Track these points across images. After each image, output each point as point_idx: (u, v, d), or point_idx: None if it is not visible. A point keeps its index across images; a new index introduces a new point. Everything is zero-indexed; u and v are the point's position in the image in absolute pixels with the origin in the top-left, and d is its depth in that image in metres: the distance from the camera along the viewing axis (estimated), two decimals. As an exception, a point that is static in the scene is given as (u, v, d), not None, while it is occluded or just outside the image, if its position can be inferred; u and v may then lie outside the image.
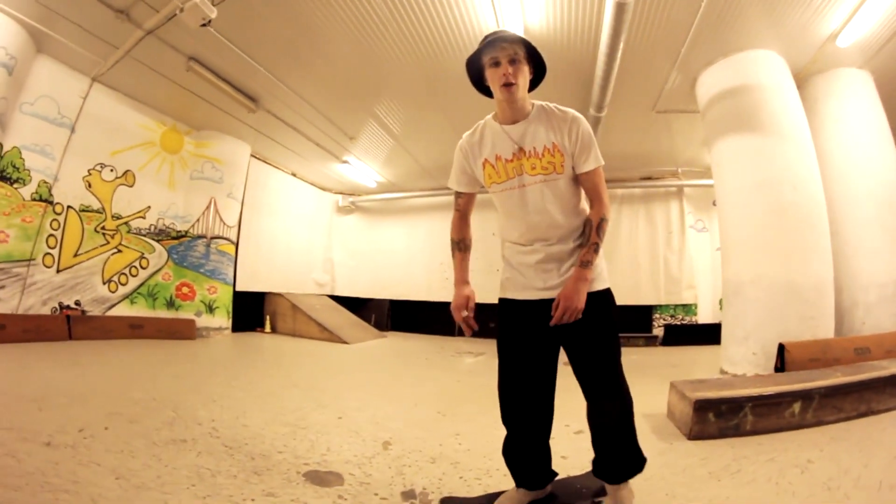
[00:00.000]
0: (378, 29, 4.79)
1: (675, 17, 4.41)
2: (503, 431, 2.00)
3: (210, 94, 6.34)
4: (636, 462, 1.65)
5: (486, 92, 1.69)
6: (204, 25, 4.23)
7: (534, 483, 1.69)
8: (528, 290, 1.62)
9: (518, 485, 1.69)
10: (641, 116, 6.60)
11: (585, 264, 1.53)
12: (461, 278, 1.72)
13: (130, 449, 2.23)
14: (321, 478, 2.00)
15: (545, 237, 1.62)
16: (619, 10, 3.70)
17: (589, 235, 1.57)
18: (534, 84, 1.65)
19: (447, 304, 1.79)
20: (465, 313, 1.62)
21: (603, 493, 1.70)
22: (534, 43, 1.61)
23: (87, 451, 2.16)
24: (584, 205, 1.69)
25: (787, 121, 4.68)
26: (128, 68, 5.75)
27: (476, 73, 1.67)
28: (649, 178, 9.05)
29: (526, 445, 1.67)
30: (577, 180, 1.63)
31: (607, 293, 1.62)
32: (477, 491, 1.90)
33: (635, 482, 1.73)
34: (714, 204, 7.22)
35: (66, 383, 3.49)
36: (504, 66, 1.52)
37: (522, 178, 1.61)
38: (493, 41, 1.54)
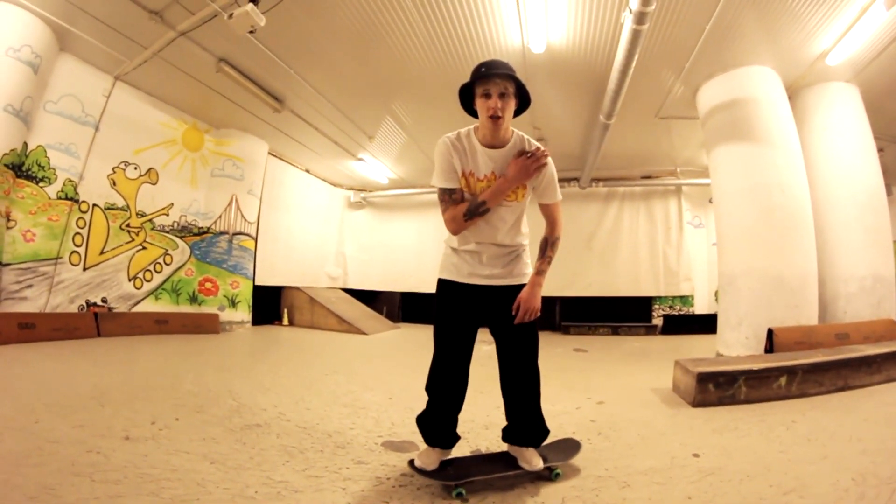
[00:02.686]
0: (410, 36, 5.03)
1: (681, 36, 4.82)
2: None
3: (236, 93, 6.48)
4: (543, 430, 1.96)
5: (472, 113, 1.83)
6: (251, 32, 4.33)
7: (449, 443, 1.91)
8: (474, 276, 1.89)
9: (433, 445, 1.89)
10: (645, 121, 7.00)
11: (541, 273, 1.83)
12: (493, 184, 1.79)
13: (211, 436, 2.34)
14: (398, 446, 2.29)
15: (491, 242, 1.89)
16: (635, 35, 4.10)
17: (545, 251, 1.88)
18: (517, 112, 1.81)
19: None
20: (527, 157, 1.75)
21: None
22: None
23: (169, 441, 2.24)
24: (525, 228, 1.99)
25: (778, 131, 5.14)
26: (152, 67, 5.84)
27: (466, 94, 1.81)
28: (649, 177, 9.48)
29: (449, 412, 1.92)
30: (540, 207, 1.94)
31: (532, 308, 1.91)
32: None
33: (656, 435, 2.14)
34: (710, 201, 7.60)
35: (114, 379, 3.54)
36: (494, 100, 1.68)
37: (481, 189, 1.83)
38: (487, 75, 1.69)
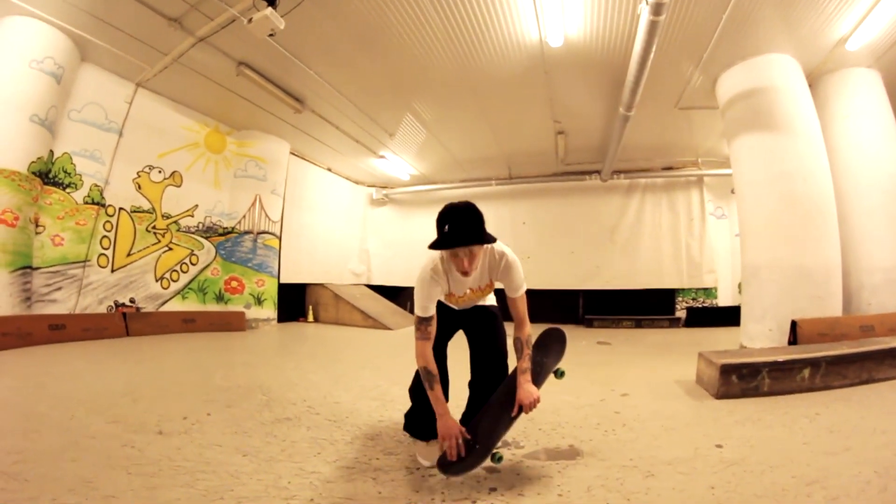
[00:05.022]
0: (427, 33, 5.05)
1: (699, 25, 4.76)
2: (564, 396, 2.66)
3: (256, 95, 6.59)
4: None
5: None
6: (271, 36, 4.37)
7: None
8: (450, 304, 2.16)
9: (427, 438, 2.09)
10: (665, 112, 6.93)
11: (526, 370, 1.95)
12: (445, 410, 1.87)
13: (243, 430, 2.39)
14: None
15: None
16: (652, 26, 4.08)
17: (522, 350, 2.00)
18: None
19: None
20: (459, 441, 1.79)
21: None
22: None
23: (202, 435, 2.29)
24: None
25: (799, 119, 5.04)
26: (173, 73, 5.96)
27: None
28: (671, 168, 9.36)
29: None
30: (508, 301, 2.08)
31: (495, 306, 2.27)
32: (556, 439, 2.33)
33: (680, 426, 2.22)
34: (732, 192, 7.48)
35: (144, 377, 3.62)
36: (461, 261, 1.80)
37: (464, 300, 2.10)
38: (455, 242, 1.75)
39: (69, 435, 2.24)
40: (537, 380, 1.97)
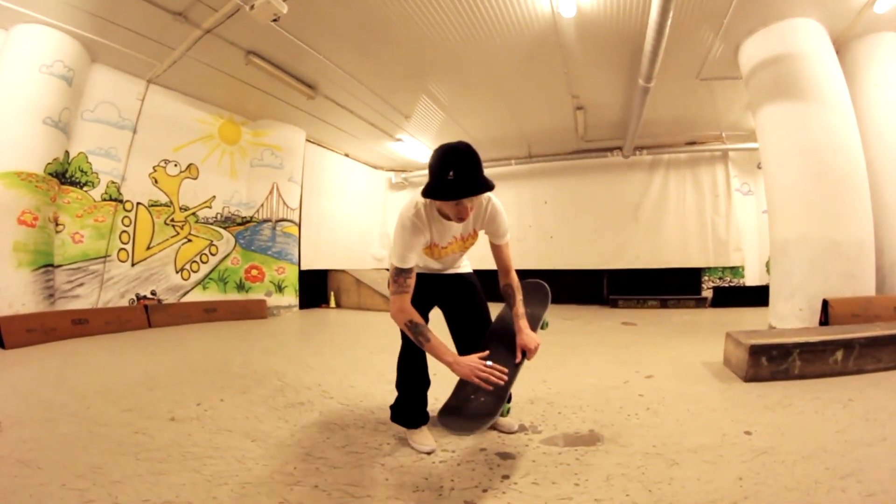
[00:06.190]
0: (436, 8, 4.87)
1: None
2: (586, 378, 2.57)
3: (268, 84, 6.56)
4: None
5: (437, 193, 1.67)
6: (274, 21, 4.30)
7: (427, 417, 2.08)
8: (426, 269, 2.06)
9: (420, 425, 2.04)
10: (686, 84, 6.63)
11: (522, 316, 1.90)
12: (454, 353, 1.75)
13: (255, 415, 2.40)
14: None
15: (443, 267, 2.09)
16: None
17: (513, 295, 1.95)
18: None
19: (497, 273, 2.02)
20: (486, 364, 1.67)
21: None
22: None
23: (213, 421, 2.30)
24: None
25: (827, 87, 4.74)
26: (183, 67, 5.96)
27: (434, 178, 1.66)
28: (694, 143, 9.01)
29: (424, 392, 2.10)
30: (492, 248, 2.03)
31: (472, 274, 2.20)
32: (576, 423, 2.24)
33: (707, 411, 2.18)
34: (759, 167, 7.14)
35: (163, 366, 3.64)
36: (464, 207, 1.65)
37: (447, 251, 1.96)
38: (466, 191, 1.58)
39: (84, 423, 2.27)
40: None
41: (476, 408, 1.73)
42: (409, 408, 2.05)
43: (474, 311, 2.10)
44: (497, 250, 1.99)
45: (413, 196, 1.80)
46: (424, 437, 1.99)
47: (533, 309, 2.07)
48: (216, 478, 1.68)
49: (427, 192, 1.66)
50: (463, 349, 2.05)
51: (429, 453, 1.89)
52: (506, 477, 1.67)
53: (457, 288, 2.10)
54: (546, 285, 2.19)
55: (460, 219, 1.70)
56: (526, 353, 1.82)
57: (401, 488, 1.60)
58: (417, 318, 1.76)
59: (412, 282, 1.79)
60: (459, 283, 2.11)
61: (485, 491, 1.57)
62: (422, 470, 1.74)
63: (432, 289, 2.05)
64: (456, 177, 1.57)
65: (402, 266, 1.76)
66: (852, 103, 4.82)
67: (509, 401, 1.87)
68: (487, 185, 1.61)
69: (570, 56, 5.77)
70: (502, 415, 1.81)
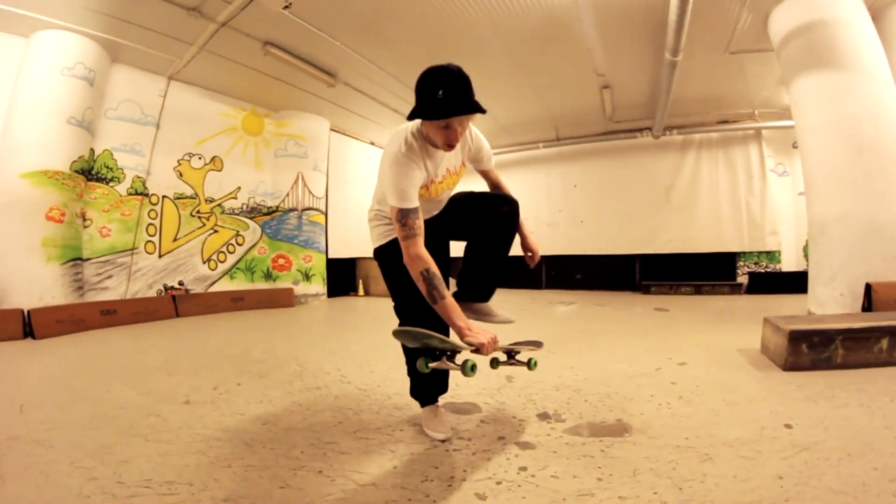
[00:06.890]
0: None
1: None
2: (616, 364, 2.52)
3: (288, 74, 6.56)
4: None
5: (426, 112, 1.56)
6: (286, 8, 4.26)
7: (444, 387, 2.05)
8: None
9: (434, 401, 1.99)
10: (715, 59, 6.29)
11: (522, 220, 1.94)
12: (466, 321, 1.57)
13: (269, 399, 2.38)
14: (460, 408, 2.21)
15: (436, 210, 1.94)
16: None
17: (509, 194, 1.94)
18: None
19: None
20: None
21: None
22: None
23: (227, 405, 2.29)
24: None
25: (863, 55, 4.39)
26: (202, 62, 6.04)
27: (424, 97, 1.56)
28: (726, 122, 8.55)
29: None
30: (483, 175, 2.07)
31: None
32: (602, 412, 2.11)
33: (743, 401, 2.07)
34: (794, 146, 6.73)
35: (185, 353, 3.69)
36: (454, 130, 1.54)
37: (443, 187, 1.83)
38: (458, 108, 1.49)
39: (100, 406, 2.30)
40: None
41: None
42: (426, 385, 1.96)
43: (485, 197, 1.93)
44: (487, 174, 2.05)
45: (397, 131, 1.66)
46: (440, 424, 1.89)
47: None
48: (220, 460, 1.66)
49: (414, 113, 1.53)
50: (475, 257, 1.95)
51: (443, 441, 1.81)
52: (523, 469, 1.56)
53: (454, 203, 1.96)
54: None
55: (449, 145, 1.59)
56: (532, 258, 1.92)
57: (408, 477, 1.52)
58: (434, 267, 1.54)
59: (421, 223, 1.58)
60: (454, 199, 1.98)
61: (498, 483, 1.47)
62: (433, 458, 1.66)
63: (431, 229, 1.83)
64: (446, 95, 1.48)
65: (406, 205, 1.55)
66: (891, 73, 4.46)
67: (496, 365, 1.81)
68: (480, 108, 1.49)
69: (591, 32, 5.52)
70: (530, 368, 1.88)
